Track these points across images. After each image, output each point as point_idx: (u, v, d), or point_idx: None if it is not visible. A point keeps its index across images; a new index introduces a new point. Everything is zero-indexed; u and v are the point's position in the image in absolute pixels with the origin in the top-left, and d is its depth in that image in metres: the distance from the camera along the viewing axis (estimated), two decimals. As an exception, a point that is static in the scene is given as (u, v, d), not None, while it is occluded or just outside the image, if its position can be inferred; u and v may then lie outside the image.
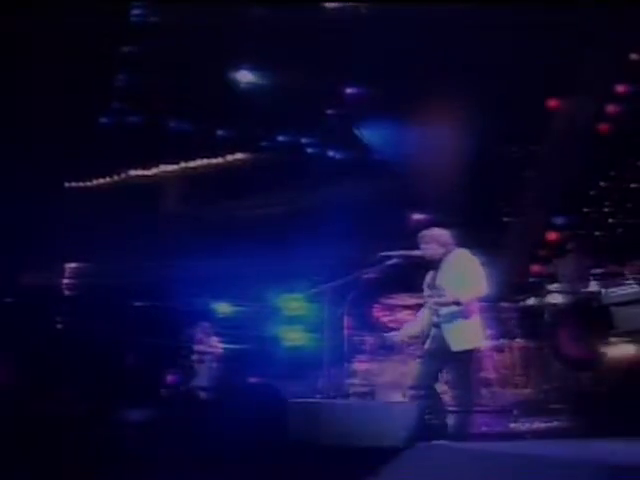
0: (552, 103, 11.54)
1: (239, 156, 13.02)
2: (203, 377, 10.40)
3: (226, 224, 12.55)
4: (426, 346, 7.27)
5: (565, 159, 11.10)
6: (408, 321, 9.31)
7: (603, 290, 9.61)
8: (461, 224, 9.23)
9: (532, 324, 9.49)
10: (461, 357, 7.10)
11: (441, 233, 7.35)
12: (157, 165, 13.09)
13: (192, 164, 13.07)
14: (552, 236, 11.12)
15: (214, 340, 10.69)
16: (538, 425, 8.40)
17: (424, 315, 7.43)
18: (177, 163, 13.12)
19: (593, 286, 9.66)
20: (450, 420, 6.95)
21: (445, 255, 7.26)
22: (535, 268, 10.99)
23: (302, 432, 6.09)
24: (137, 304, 12.47)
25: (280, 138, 12.70)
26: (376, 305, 9.92)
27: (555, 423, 8.41)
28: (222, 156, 13.02)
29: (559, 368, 9.10)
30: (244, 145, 12.82)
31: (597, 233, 11.10)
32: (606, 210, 11.28)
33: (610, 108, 10.93)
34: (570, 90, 11.17)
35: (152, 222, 12.71)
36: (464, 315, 7.10)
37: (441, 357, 7.18)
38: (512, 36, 10.74)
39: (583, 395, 8.70)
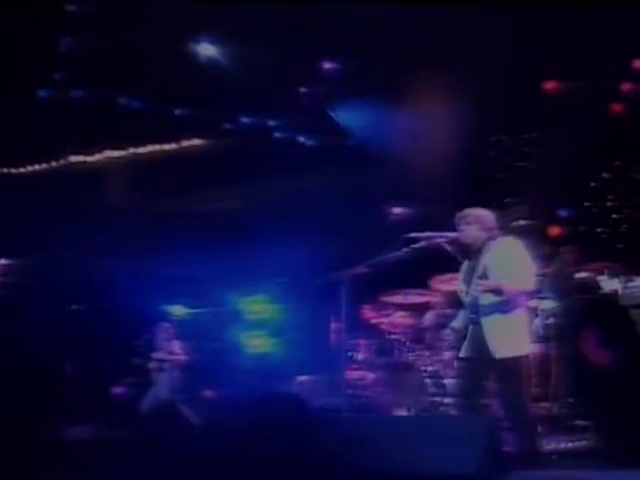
0: (550, 86, 10.40)
1: (197, 141, 11.52)
2: (163, 388, 8.86)
3: (182, 218, 11.12)
4: (463, 353, 6.07)
5: (565, 147, 9.94)
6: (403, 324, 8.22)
7: (620, 290, 8.65)
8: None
9: (548, 327, 8.23)
10: (508, 366, 5.90)
11: (486, 215, 6.21)
12: (103, 149, 11.46)
13: (143, 149, 11.49)
14: (555, 231, 9.96)
15: (176, 345, 9.15)
16: (565, 445, 7.16)
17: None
18: (126, 147, 11.49)
19: (606, 286, 8.69)
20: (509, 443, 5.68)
21: (488, 241, 6.08)
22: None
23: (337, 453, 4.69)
24: (79, 306, 10.90)
25: (244, 120, 11.20)
26: (368, 305, 8.53)
27: (585, 442, 7.19)
28: (178, 140, 11.49)
29: (583, 377, 7.81)
30: (203, 128, 11.28)
31: (599, 229, 9.97)
32: (609, 204, 10.18)
33: (625, 87, 9.85)
34: (570, 71, 10.00)
35: (96, 214, 11.13)
36: (508, 308, 5.91)
37: (484, 366, 6.00)
38: (505, 11, 9.54)
39: (611, 409, 7.51)
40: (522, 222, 9.91)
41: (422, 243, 6.33)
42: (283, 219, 10.57)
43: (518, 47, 9.60)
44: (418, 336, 8.09)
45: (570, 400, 7.75)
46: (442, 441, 4.61)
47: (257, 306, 10.96)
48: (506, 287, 5.84)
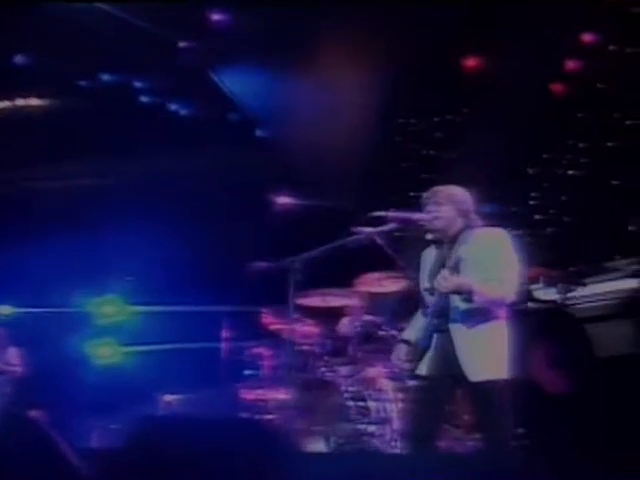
0: (470, 63, 9.78)
1: (37, 101, 9.92)
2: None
3: (11, 197, 9.60)
4: (424, 370, 5.09)
5: (486, 134, 9.13)
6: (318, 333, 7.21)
7: (559, 301, 8.10)
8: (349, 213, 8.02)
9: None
10: (485, 391, 4.97)
11: (462, 194, 5.28)
12: None
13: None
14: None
15: (13, 353, 7.66)
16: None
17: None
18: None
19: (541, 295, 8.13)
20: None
21: (464, 231, 5.14)
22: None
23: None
24: None
25: (105, 78, 9.77)
26: (271, 308, 7.45)
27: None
28: (11, 97, 9.83)
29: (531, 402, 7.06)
30: (48, 85, 9.73)
31: (529, 230, 9.35)
32: (532, 203, 9.60)
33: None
34: (494, 46, 9.38)
35: None
36: (483, 317, 5.01)
37: (450, 388, 5.12)
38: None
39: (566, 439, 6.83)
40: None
41: (391, 226, 5.32)
42: (145, 203, 9.44)
43: (434, 17, 8.94)
44: (338, 348, 7.15)
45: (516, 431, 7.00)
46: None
47: (108, 308, 9.70)
48: (479, 290, 4.90)
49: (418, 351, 5.09)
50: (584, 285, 8.20)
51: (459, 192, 5.26)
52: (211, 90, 9.79)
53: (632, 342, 7.65)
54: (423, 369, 5.08)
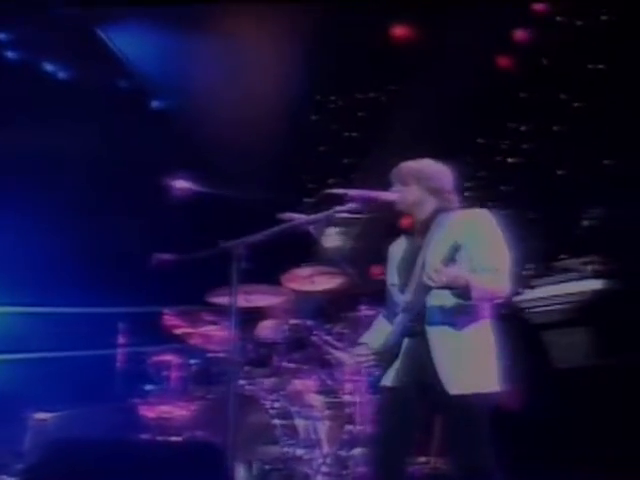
0: (399, 31, 9.34)
1: None
2: None
3: None
4: (391, 380, 4.48)
5: (416, 115, 8.76)
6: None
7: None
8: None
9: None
10: (466, 407, 4.35)
11: (435, 170, 4.68)
12: None
13: None
14: (405, 222, 8.76)
15: None
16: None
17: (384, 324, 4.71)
18: None
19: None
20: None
21: (438, 214, 4.56)
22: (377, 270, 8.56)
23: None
24: None
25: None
26: (177, 308, 6.79)
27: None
28: None
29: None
30: None
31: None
32: (467, 194, 9.12)
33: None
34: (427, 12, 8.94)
35: None
36: (470, 317, 4.41)
37: (424, 401, 4.48)
38: None
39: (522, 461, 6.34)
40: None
41: (351, 205, 4.60)
42: (16, 183, 8.61)
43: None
44: (260, 356, 6.56)
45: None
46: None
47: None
48: (477, 284, 4.27)
49: (384, 357, 4.46)
50: (531, 288, 7.81)
51: (428, 167, 4.65)
52: (98, 50, 9.04)
53: (587, 350, 7.29)
54: (388, 380, 4.45)
